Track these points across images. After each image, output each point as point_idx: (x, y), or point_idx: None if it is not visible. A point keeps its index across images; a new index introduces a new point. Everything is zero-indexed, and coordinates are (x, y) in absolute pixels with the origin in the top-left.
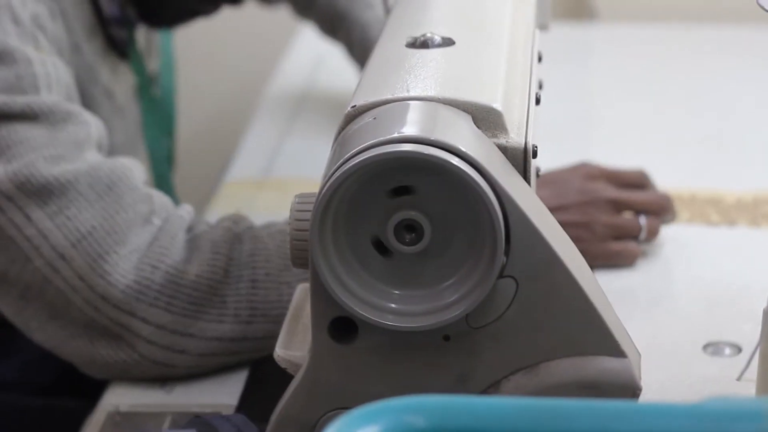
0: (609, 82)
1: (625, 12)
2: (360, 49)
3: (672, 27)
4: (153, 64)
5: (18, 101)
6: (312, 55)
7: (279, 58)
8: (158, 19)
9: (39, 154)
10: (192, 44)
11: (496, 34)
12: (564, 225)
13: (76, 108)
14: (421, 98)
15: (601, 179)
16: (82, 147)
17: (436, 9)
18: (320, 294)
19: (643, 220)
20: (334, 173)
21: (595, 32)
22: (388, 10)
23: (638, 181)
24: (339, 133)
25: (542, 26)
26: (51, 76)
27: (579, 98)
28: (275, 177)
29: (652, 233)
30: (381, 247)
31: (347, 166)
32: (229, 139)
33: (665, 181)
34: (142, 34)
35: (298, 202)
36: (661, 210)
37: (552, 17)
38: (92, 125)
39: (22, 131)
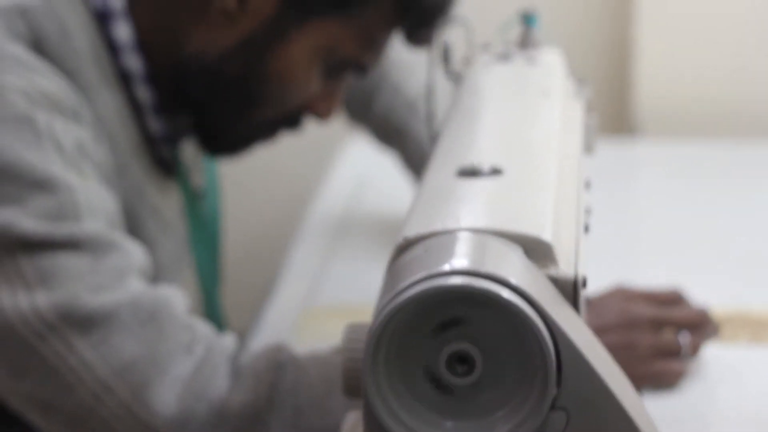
0: (652, 198)
1: (667, 127)
2: (415, 162)
3: (714, 142)
4: (198, 180)
5: (61, 230)
6: (356, 174)
7: (323, 176)
8: (219, 148)
9: (81, 283)
10: (236, 162)
11: (544, 162)
12: (607, 348)
13: (119, 236)
14: (471, 229)
15: (639, 300)
16: (124, 276)
17: (484, 137)
18: (373, 425)
19: (684, 337)
20: (386, 306)
21: (638, 147)
22: (434, 135)
23: (675, 299)
24: (390, 264)
25: (588, 149)
26: (93, 203)
27: (620, 214)
28: (320, 302)
29: (694, 349)
30: (433, 378)
31: (399, 300)
32: (274, 254)
33: (711, 298)
34: (187, 151)
35: (350, 333)
36: (700, 324)
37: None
38: (134, 253)
39: (65, 260)
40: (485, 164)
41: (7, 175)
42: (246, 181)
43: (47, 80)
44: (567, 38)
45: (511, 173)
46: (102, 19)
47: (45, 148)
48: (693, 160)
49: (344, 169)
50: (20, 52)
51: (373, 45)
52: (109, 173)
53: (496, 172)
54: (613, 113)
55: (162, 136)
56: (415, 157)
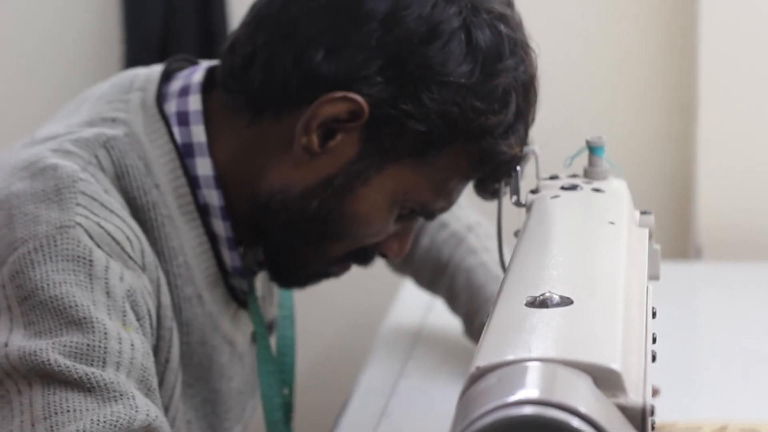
0: (715, 321)
1: (729, 251)
2: (465, 295)
3: None
4: (271, 312)
5: (81, 370)
6: (424, 297)
7: (392, 297)
8: (290, 281)
9: (80, 425)
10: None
11: (612, 291)
12: None
13: (134, 392)
14: (542, 359)
15: None
16: (123, 428)
17: (553, 267)
18: None
19: None
20: None
21: (699, 271)
22: (504, 265)
23: None
24: (463, 393)
25: (653, 277)
26: (124, 354)
27: (684, 339)
28: (390, 426)
29: None
30: None
31: (472, 429)
32: (343, 378)
33: None
34: (260, 281)
35: None
36: None
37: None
38: (143, 410)
39: (73, 400)
40: (555, 294)
41: (52, 308)
42: (317, 304)
43: (117, 224)
44: (629, 165)
45: (581, 303)
46: (184, 152)
47: (95, 290)
48: (755, 283)
49: (413, 289)
50: (97, 190)
51: (446, 192)
52: (168, 315)
53: (565, 302)
54: (674, 237)
55: (236, 268)
56: (466, 292)
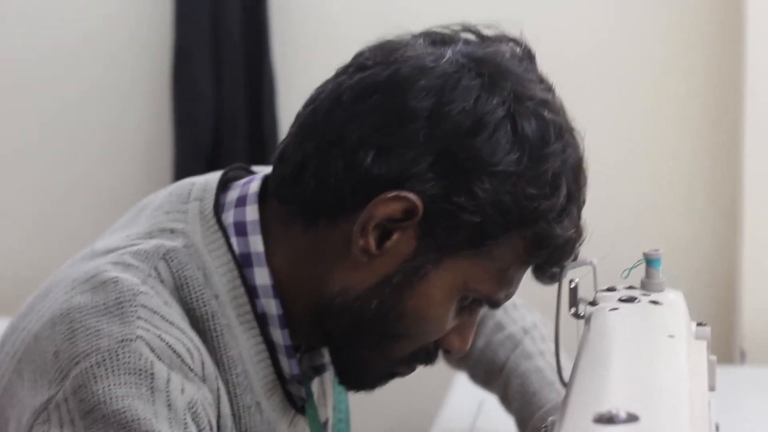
0: (761, 425)
1: None
2: (519, 401)
3: None
4: (325, 414)
5: None
6: (474, 398)
7: (442, 399)
8: (358, 383)
9: None
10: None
11: (677, 405)
12: None
13: None
14: None
15: None
16: None
17: (616, 382)
18: None
19: None
20: None
21: (745, 375)
22: (562, 377)
23: None
24: None
25: (710, 388)
26: None
27: None
28: None
29: None
30: None
31: None
32: None
33: None
34: (315, 385)
35: None
36: None
37: None
38: None
39: None
40: (621, 410)
41: (115, 422)
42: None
43: (177, 336)
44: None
45: (647, 419)
46: (242, 262)
47: (157, 403)
48: None
49: (465, 389)
50: (157, 303)
51: (506, 280)
52: (228, 425)
53: (632, 418)
54: (718, 341)
55: (294, 375)
56: (521, 398)
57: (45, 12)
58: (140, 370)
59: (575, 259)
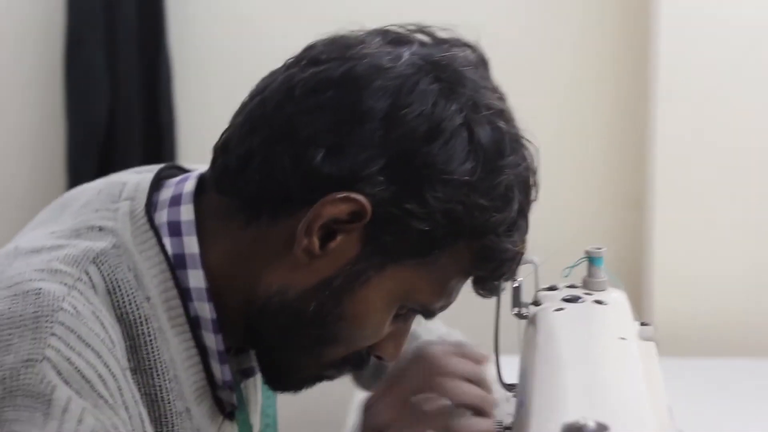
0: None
1: (682, 347)
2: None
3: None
4: (255, 418)
5: None
6: None
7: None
8: (285, 385)
9: None
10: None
11: (642, 413)
12: None
13: None
14: None
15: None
16: None
17: (577, 388)
18: None
19: None
20: None
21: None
22: (501, 378)
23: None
24: None
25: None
26: None
27: None
28: None
29: None
30: None
31: None
32: None
33: None
34: (246, 390)
35: None
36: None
37: None
38: None
39: None
40: (589, 420)
41: None
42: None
43: (90, 360)
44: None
45: (617, 428)
46: (175, 264)
47: (48, 429)
48: (707, 378)
49: None
50: (76, 323)
51: (446, 291)
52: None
53: (602, 428)
54: None
55: (226, 381)
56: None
57: None
58: (38, 393)
59: (521, 288)
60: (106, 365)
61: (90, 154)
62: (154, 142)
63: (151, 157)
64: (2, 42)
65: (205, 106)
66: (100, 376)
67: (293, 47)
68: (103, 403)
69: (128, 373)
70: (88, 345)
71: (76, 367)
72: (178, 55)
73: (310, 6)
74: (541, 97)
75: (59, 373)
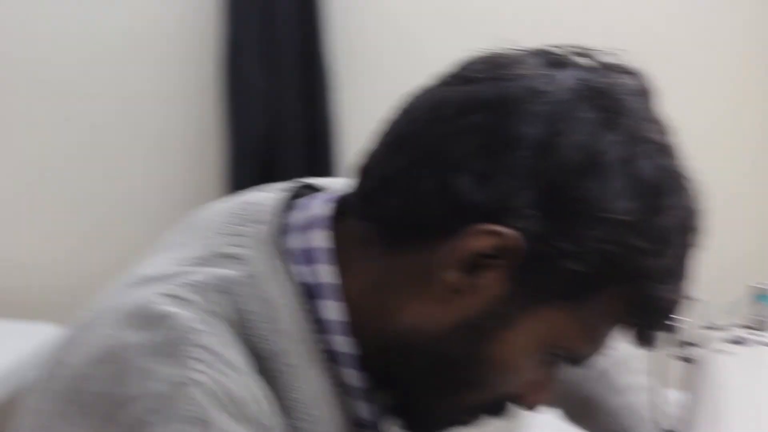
0: None
1: None
2: None
3: None
4: None
5: None
6: None
7: None
8: (416, 426)
9: None
10: None
11: None
12: None
13: None
14: None
15: None
16: None
17: None
18: None
19: None
20: None
21: None
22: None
23: None
24: None
25: None
26: None
27: None
28: None
29: None
30: None
31: None
32: None
33: None
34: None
35: None
36: None
37: None
38: None
39: None
40: None
41: None
42: None
43: (239, 381)
44: None
45: None
46: (309, 294)
47: None
48: None
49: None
50: (216, 342)
51: (596, 338)
52: None
53: None
54: None
55: (368, 420)
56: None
57: (88, 7)
58: (194, 418)
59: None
60: (255, 386)
61: (249, 164)
62: (314, 151)
63: (311, 166)
64: (160, 52)
65: (365, 115)
66: (253, 396)
67: (450, 58)
68: (257, 425)
69: (272, 398)
70: (233, 366)
71: (227, 389)
72: (337, 64)
73: (470, 20)
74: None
75: (209, 395)
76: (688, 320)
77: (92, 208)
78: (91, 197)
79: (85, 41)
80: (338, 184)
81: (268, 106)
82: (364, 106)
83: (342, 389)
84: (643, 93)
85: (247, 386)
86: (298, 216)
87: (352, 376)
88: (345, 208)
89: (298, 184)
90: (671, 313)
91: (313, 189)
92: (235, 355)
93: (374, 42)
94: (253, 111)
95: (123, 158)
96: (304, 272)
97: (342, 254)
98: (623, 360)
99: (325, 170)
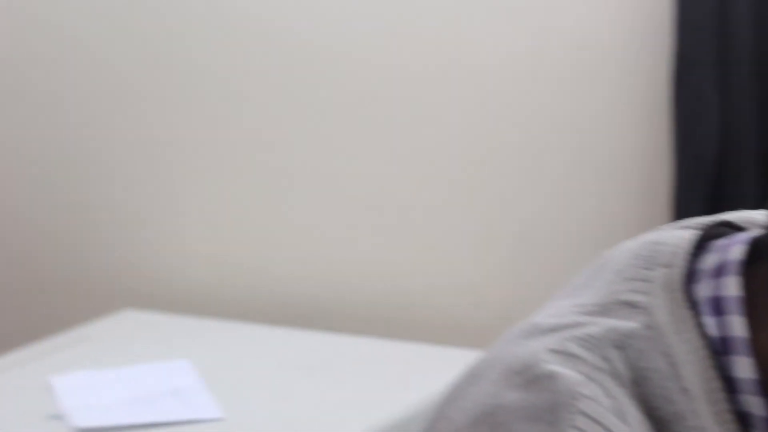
0: None
1: None
2: None
3: None
4: None
5: None
6: None
7: None
8: None
9: None
10: None
11: None
12: None
13: None
14: None
15: None
16: None
17: None
18: None
19: None
20: None
21: None
22: None
23: None
24: None
25: None
26: None
27: None
28: None
29: None
30: None
31: None
32: None
33: None
34: None
35: None
36: None
37: None
38: None
39: None
40: None
41: None
42: None
43: None
44: None
45: None
46: (717, 349)
47: None
48: None
49: None
50: (601, 412)
51: None
52: None
53: None
54: None
55: None
56: None
57: (523, 13)
58: None
59: None
60: None
61: (699, 187)
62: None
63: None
64: (606, 67)
65: None
66: None
67: None
68: None
69: None
70: None
71: None
72: None
73: None
74: None
75: None
76: None
77: (523, 234)
78: (523, 220)
79: (519, 52)
80: (762, 218)
81: (720, 123)
82: None
83: None
84: None
85: None
86: (710, 259)
87: None
88: (760, 250)
89: (715, 221)
90: None
91: (732, 227)
92: (621, 425)
93: None
94: (704, 129)
95: (562, 182)
96: (709, 324)
97: (755, 304)
98: None
99: None
